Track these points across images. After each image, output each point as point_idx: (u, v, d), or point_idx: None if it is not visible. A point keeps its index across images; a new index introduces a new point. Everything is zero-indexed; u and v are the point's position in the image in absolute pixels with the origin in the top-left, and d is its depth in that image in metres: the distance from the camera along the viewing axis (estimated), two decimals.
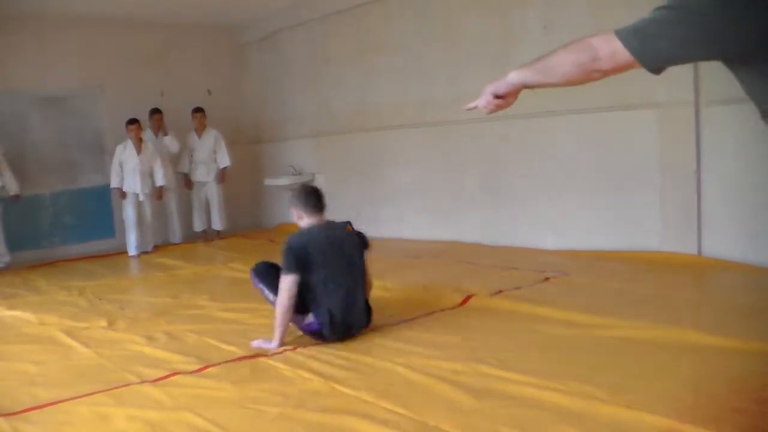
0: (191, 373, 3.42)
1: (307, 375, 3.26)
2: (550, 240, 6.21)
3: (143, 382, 3.33)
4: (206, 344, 3.95)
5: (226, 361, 3.57)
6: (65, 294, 5.84)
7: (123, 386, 3.29)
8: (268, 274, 3.88)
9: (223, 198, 8.83)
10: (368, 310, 3.88)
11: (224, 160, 8.71)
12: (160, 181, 8.14)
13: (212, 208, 8.80)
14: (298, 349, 3.70)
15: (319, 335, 3.68)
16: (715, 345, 3.26)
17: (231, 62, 9.92)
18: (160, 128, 8.47)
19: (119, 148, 7.97)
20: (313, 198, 3.96)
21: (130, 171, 7.96)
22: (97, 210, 8.51)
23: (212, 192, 8.76)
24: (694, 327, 3.54)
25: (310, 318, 3.68)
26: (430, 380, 3.07)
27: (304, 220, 3.95)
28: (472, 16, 6.77)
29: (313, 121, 8.98)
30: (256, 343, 3.77)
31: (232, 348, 3.80)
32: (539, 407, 2.68)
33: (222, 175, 8.78)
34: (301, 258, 3.61)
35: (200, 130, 8.70)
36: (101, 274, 6.75)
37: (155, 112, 8.42)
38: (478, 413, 2.68)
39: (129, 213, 8.00)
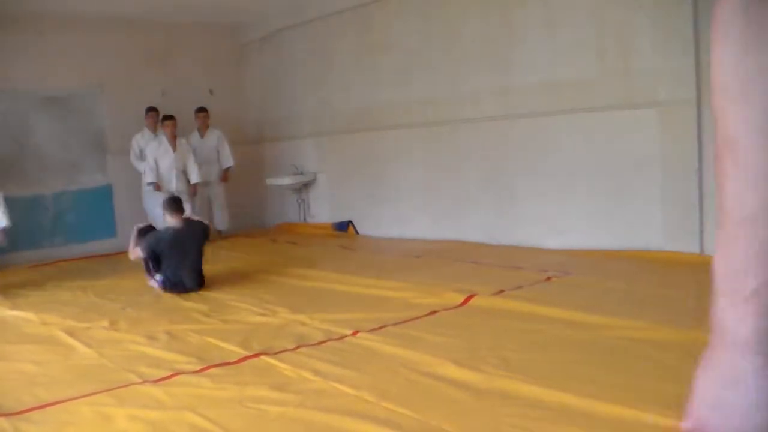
0: (193, 373, 3.43)
1: (308, 375, 3.26)
2: (551, 239, 6.20)
3: (145, 382, 3.33)
4: (208, 344, 3.95)
5: (228, 362, 3.57)
6: (67, 294, 5.85)
7: (124, 386, 3.29)
8: (144, 233, 5.78)
9: (226, 198, 8.84)
10: (201, 279, 5.70)
11: (228, 160, 8.73)
12: (195, 178, 8.22)
13: (215, 208, 8.81)
14: (300, 349, 3.71)
15: (163, 288, 5.54)
16: None
17: (232, 62, 9.91)
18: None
19: (153, 145, 8.04)
20: (173, 204, 5.68)
21: (166, 168, 8.04)
22: (98, 209, 8.51)
23: (215, 192, 8.77)
24: (696, 326, 3.54)
25: (158, 277, 5.59)
26: (431, 380, 3.07)
27: (167, 219, 5.65)
28: (474, 15, 6.76)
29: (314, 120, 8.98)
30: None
31: (233, 348, 3.80)
32: (540, 407, 2.68)
33: (225, 175, 8.79)
34: (151, 249, 5.55)
35: (203, 130, 8.71)
36: (103, 274, 6.76)
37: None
38: (479, 413, 2.68)
39: (160, 211, 8.03)
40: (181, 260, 5.55)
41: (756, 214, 0.69)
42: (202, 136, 8.69)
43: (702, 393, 0.74)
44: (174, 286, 5.54)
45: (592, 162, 5.90)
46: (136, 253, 5.69)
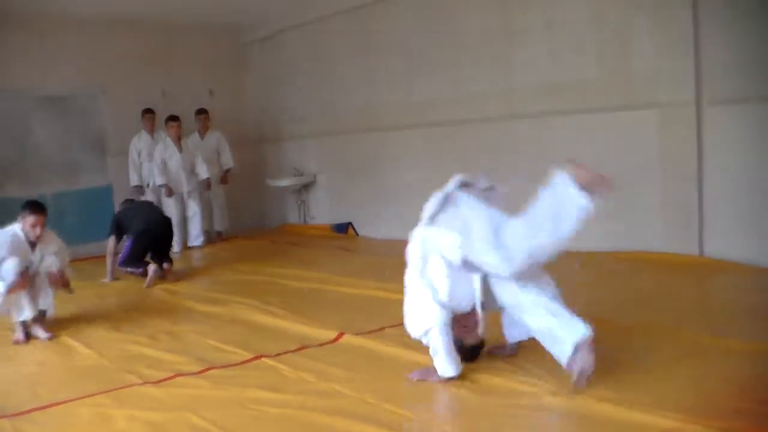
0: (193, 374, 3.43)
1: (308, 377, 3.26)
2: None
3: (145, 383, 3.34)
4: (208, 345, 3.95)
5: (228, 363, 3.57)
6: (67, 295, 5.82)
7: (125, 387, 3.30)
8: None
9: (226, 199, 8.84)
10: None
11: (228, 162, 8.74)
12: (205, 173, 8.26)
13: (214, 209, 8.81)
14: (300, 351, 3.71)
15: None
16: (716, 345, 3.26)
17: (233, 62, 9.91)
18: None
19: (159, 147, 8.06)
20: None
21: (174, 170, 8.07)
22: (98, 210, 8.50)
23: (215, 193, 8.77)
24: (696, 327, 3.54)
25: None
26: (433, 381, 3.06)
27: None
28: (475, 17, 6.76)
29: (315, 121, 8.98)
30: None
31: (233, 349, 3.80)
32: (541, 407, 2.68)
33: (225, 177, 8.80)
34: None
35: (203, 131, 8.72)
36: (103, 275, 6.75)
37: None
38: (481, 414, 2.68)
39: (172, 211, 8.11)
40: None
41: None
42: (202, 137, 8.69)
43: None
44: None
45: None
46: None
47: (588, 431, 2.46)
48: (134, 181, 8.23)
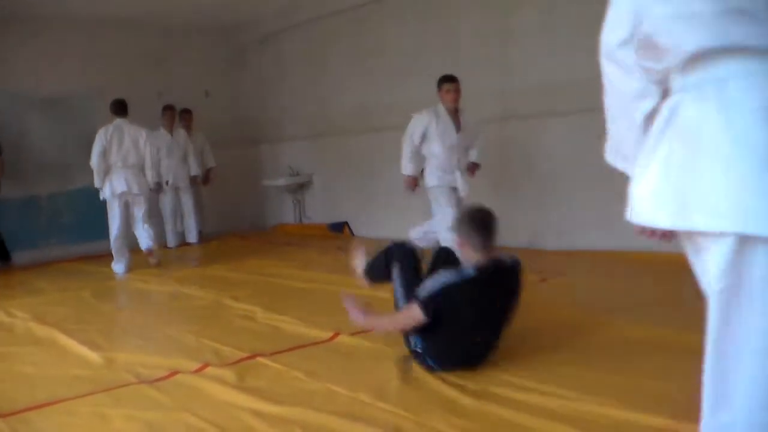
0: (190, 373, 3.42)
1: (304, 376, 3.26)
2: (550, 240, 6.21)
3: (142, 382, 3.33)
4: (204, 345, 3.95)
5: (224, 362, 3.57)
6: (63, 294, 5.84)
7: (121, 386, 3.29)
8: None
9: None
10: None
11: (210, 161, 8.87)
12: (194, 170, 8.51)
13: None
14: (296, 350, 3.71)
15: None
16: None
17: (229, 63, 9.91)
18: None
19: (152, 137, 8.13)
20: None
21: (165, 160, 8.26)
22: (94, 210, 8.47)
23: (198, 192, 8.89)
24: (694, 327, 3.54)
25: None
26: (428, 381, 3.07)
27: None
28: (471, 17, 6.78)
29: (311, 122, 8.99)
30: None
31: (230, 348, 3.80)
32: (538, 408, 2.68)
33: (200, 179, 8.84)
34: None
35: (188, 131, 8.73)
36: (99, 275, 6.75)
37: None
38: (476, 414, 2.68)
39: (166, 205, 8.41)
40: None
41: None
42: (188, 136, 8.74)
43: None
44: None
45: (588, 162, 5.89)
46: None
47: (584, 430, 2.46)
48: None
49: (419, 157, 5.76)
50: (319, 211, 9.03)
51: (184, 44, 9.26)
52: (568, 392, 2.77)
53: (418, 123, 5.67)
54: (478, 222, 3.14)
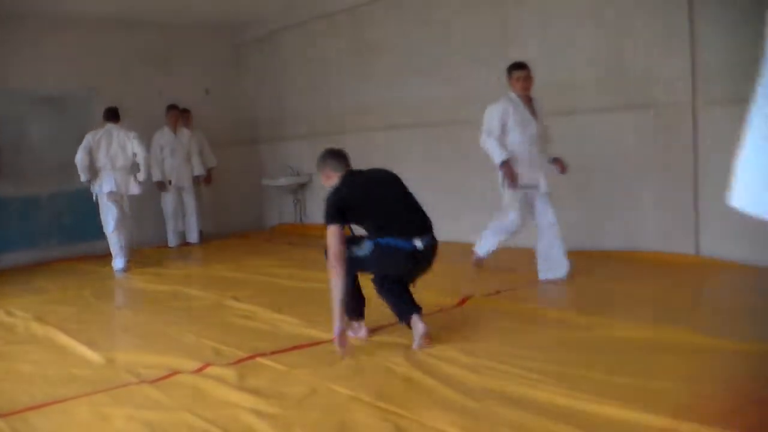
0: (190, 373, 3.42)
1: (304, 375, 3.26)
2: None
3: (142, 382, 3.33)
4: (204, 345, 3.95)
5: (225, 362, 3.57)
6: (63, 294, 5.84)
7: (122, 386, 3.29)
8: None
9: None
10: None
11: (210, 161, 8.89)
12: (198, 170, 8.55)
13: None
14: (296, 350, 3.71)
15: None
16: (713, 345, 3.27)
17: (229, 63, 9.91)
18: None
19: (156, 136, 8.28)
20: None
21: (169, 160, 8.31)
22: (94, 210, 8.47)
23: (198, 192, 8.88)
24: (693, 327, 3.55)
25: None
26: (428, 380, 3.07)
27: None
28: (469, 16, 6.77)
29: (310, 121, 8.98)
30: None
31: (230, 348, 3.80)
32: (538, 407, 2.68)
33: (209, 175, 8.92)
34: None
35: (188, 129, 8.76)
36: (99, 275, 6.75)
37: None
38: (476, 413, 2.68)
39: (168, 204, 8.43)
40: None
41: None
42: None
43: None
44: None
45: (588, 163, 5.91)
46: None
47: (584, 430, 2.46)
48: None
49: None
50: (320, 211, 9.00)
51: (184, 43, 9.26)
52: (568, 392, 2.77)
53: (495, 113, 5.15)
54: (330, 152, 4.27)
